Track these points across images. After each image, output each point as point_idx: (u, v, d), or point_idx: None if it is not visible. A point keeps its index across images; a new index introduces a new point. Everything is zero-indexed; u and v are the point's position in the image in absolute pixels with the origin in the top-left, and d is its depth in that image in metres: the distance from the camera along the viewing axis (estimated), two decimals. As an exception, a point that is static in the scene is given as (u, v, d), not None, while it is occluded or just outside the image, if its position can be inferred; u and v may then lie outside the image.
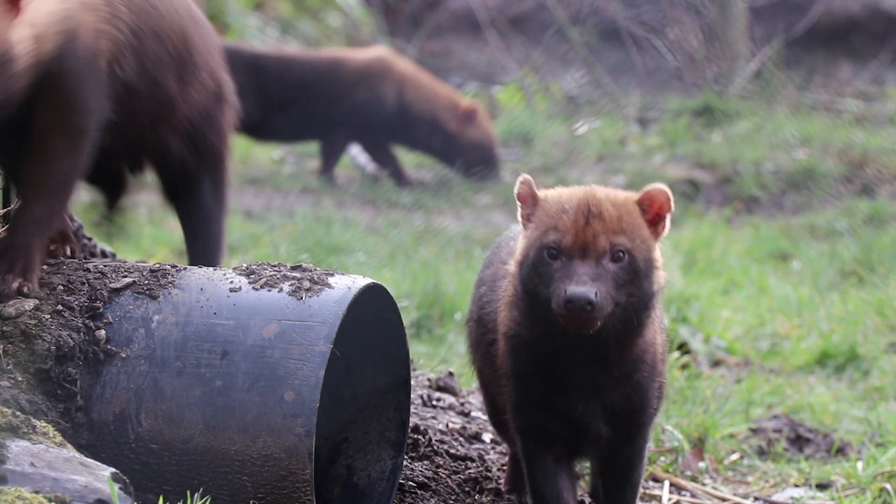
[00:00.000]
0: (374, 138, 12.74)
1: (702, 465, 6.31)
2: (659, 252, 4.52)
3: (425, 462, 5.41)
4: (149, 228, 10.49)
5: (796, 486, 6.21)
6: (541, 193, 4.56)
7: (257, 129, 12.56)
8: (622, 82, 13.53)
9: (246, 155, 13.45)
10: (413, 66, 13.08)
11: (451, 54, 17.58)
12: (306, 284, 4.51)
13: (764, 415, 7.02)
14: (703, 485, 6.16)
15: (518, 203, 4.60)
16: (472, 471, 5.45)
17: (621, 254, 4.42)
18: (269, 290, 4.50)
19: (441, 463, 5.43)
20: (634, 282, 4.43)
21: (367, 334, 4.83)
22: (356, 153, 12.98)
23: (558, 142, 13.22)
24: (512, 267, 4.62)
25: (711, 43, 13.60)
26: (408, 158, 13.13)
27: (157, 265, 4.70)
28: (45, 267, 4.65)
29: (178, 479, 4.40)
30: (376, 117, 12.60)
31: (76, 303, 4.53)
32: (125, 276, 4.61)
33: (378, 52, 13.01)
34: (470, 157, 12.64)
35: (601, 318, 4.36)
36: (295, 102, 12.54)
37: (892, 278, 9.49)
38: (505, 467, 5.52)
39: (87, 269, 4.65)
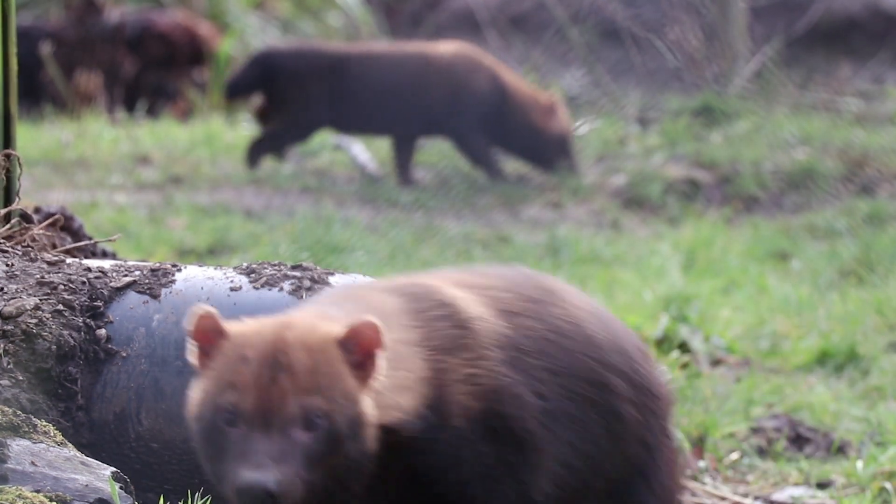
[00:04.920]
0: (476, 132, 12.56)
1: (702, 464, 6.31)
2: (369, 403, 3.56)
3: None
4: (149, 228, 10.49)
5: (796, 485, 6.22)
6: (227, 328, 3.61)
7: (345, 125, 12.53)
8: (622, 82, 13.53)
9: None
10: (496, 58, 12.95)
11: (451, 54, 17.55)
12: (307, 283, 4.51)
13: (764, 414, 7.02)
14: (703, 484, 6.16)
15: (194, 336, 3.63)
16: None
17: (316, 419, 3.49)
18: (270, 290, 4.50)
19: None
20: (335, 450, 3.50)
21: (367, 333, 4.83)
22: (356, 153, 12.98)
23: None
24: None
25: (711, 43, 13.60)
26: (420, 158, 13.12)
27: (158, 264, 4.70)
28: (45, 267, 4.65)
29: (178, 478, 4.40)
30: (476, 111, 12.42)
31: (77, 302, 4.53)
32: (126, 276, 4.62)
33: (459, 44, 12.87)
34: (553, 151, 12.50)
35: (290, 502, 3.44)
36: (381, 98, 12.43)
37: (891, 278, 9.49)
38: None
39: (88, 269, 4.66)
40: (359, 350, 3.56)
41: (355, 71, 12.40)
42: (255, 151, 12.41)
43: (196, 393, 3.61)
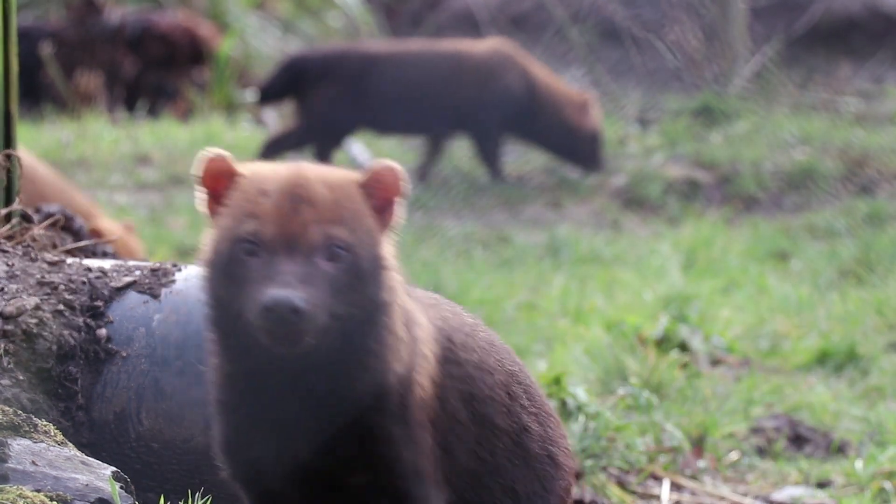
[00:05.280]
0: (496, 131, 12.58)
1: (701, 463, 6.32)
2: (389, 249, 3.54)
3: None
4: (149, 228, 10.50)
5: (796, 484, 6.22)
6: (240, 170, 3.53)
7: (380, 125, 12.53)
8: (622, 82, 13.53)
9: (247, 153, 13.45)
10: (530, 57, 12.96)
11: (451, 54, 17.55)
12: (307, 283, 4.51)
13: (763, 414, 7.02)
14: (703, 483, 6.16)
15: (203, 188, 3.55)
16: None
17: (340, 250, 3.42)
18: (270, 290, 4.50)
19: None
20: (357, 287, 3.42)
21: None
22: (356, 152, 12.98)
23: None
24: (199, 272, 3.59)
25: (711, 43, 13.60)
26: (410, 157, 13.12)
27: (158, 264, 4.71)
28: (46, 266, 4.65)
29: (178, 478, 4.40)
30: (506, 110, 12.43)
31: (77, 302, 4.53)
32: (126, 276, 4.62)
33: (495, 43, 12.89)
34: (585, 147, 12.53)
35: (312, 332, 3.35)
36: (415, 98, 12.44)
37: (891, 278, 9.49)
38: None
39: (89, 269, 4.66)
40: (379, 194, 3.51)
41: (388, 71, 12.42)
42: (274, 148, 12.41)
43: (209, 236, 3.52)
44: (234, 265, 3.43)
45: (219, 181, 3.52)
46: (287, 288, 3.32)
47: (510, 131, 12.61)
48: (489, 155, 12.48)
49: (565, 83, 12.88)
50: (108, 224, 8.14)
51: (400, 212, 3.54)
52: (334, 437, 3.52)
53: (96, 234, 7.73)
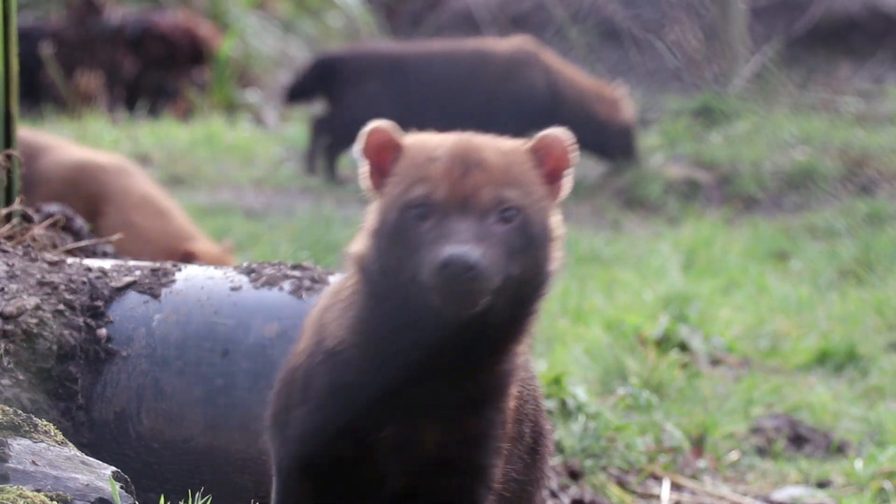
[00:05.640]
0: (523, 130, 12.62)
1: (701, 463, 6.32)
2: (557, 220, 3.50)
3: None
4: (149, 228, 10.49)
5: (796, 484, 6.22)
6: (404, 141, 3.47)
7: (406, 124, 12.57)
8: (622, 82, 13.53)
9: (247, 153, 13.46)
10: (555, 55, 12.98)
11: (451, 54, 17.56)
12: (307, 283, 4.52)
13: (763, 414, 7.02)
14: (703, 483, 6.16)
15: (365, 161, 3.50)
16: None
17: (512, 212, 3.35)
18: (270, 289, 4.50)
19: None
20: (529, 251, 3.36)
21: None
22: (357, 153, 12.99)
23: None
24: (354, 251, 3.50)
25: (711, 43, 13.61)
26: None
27: (158, 264, 4.71)
28: (46, 266, 4.66)
29: (179, 478, 4.40)
30: (528, 107, 12.47)
31: (77, 302, 4.53)
32: (126, 276, 4.62)
33: (519, 41, 12.91)
34: (618, 144, 12.56)
35: (488, 291, 3.27)
36: (440, 96, 12.47)
37: (890, 278, 9.50)
38: None
39: (89, 269, 4.66)
40: (548, 163, 3.48)
41: (415, 70, 12.45)
42: (315, 157, 12.47)
43: (374, 208, 3.44)
44: (405, 231, 3.35)
45: (383, 152, 3.47)
46: (463, 245, 3.24)
47: (535, 128, 12.64)
48: None
49: (595, 80, 12.89)
50: (207, 246, 8.03)
51: (568, 183, 3.52)
52: (462, 418, 3.47)
53: (191, 256, 7.63)
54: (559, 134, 3.49)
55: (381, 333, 3.42)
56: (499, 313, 3.35)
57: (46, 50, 15.00)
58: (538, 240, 3.39)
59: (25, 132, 8.41)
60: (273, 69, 16.78)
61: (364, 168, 3.50)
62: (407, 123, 11.82)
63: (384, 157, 3.47)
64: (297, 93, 12.87)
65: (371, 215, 3.46)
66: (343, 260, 3.56)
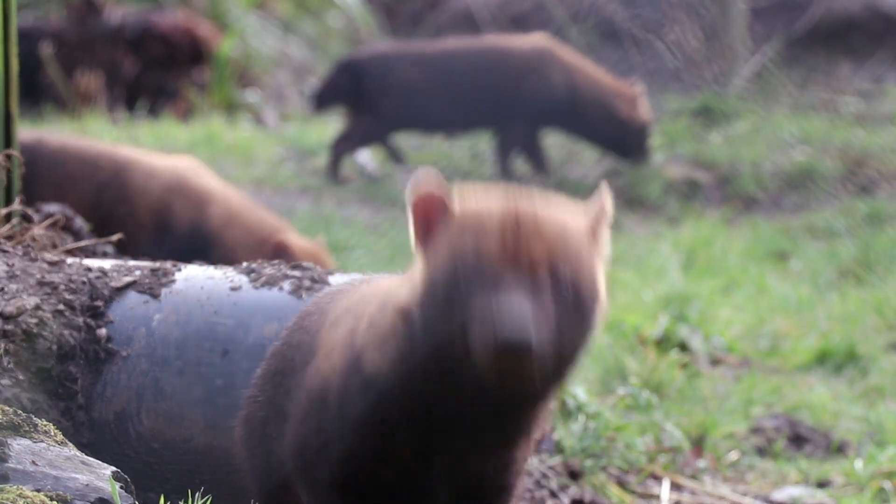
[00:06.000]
0: (543, 127, 12.64)
1: (701, 463, 6.32)
2: (602, 277, 3.41)
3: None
4: (149, 228, 10.49)
5: (795, 484, 6.23)
6: (453, 201, 3.34)
7: (426, 123, 12.59)
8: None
9: (247, 153, 13.46)
10: (574, 53, 12.99)
11: (451, 54, 17.56)
12: (306, 283, 4.52)
13: (763, 414, 7.03)
14: (703, 483, 6.16)
15: (413, 217, 3.37)
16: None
17: (565, 286, 3.27)
18: (270, 289, 4.51)
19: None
20: (579, 323, 3.29)
21: (367, 333, 4.83)
22: (363, 160, 12.99)
23: (558, 142, 13.22)
24: (398, 300, 3.40)
25: (711, 43, 13.61)
26: (411, 157, 13.13)
27: (158, 264, 4.71)
28: (46, 266, 4.66)
29: (179, 478, 4.40)
30: (547, 104, 12.48)
31: (77, 301, 4.53)
32: (126, 275, 4.62)
33: (538, 39, 12.92)
34: (634, 142, 12.57)
35: (540, 370, 3.22)
36: (461, 94, 12.49)
37: (890, 278, 9.50)
38: None
39: (89, 268, 4.66)
40: (592, 219, 3.39)
41: (436, 69, 12.47)
42: (340, 149, 12.50)
43: (424, 266, 3.33)
44: (456, 299, 3.24)
45: (431, 209, 3.34)
46: (523, 326, 3.16)
47: (554, 126, 12.65)
48: (508, 149, 12.55)
49: (613, 78, 12.91)
50: (298, 239, 8.10)
51: (607, 235, 3.43)
52: (501, 447, 3.50)
53: (284, 247, 7.71)
54: (602, 189, 3.42)
55: (423, 381, 3.36)
56: (540, 381, 3.29)
57: (46, 50, 15.00)
58: (588, 310, 3.31)
59: (106, 146, 8.53)
60: (273, 69, 16.78)
61: (410, 221, 3.38)
62: (430, 121, 11.72)
63: (432, 215, 3.35)
64: (325, 98, 12.84)
65: (418, 270, 3.36)
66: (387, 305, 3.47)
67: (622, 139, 12.52)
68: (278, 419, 3.72)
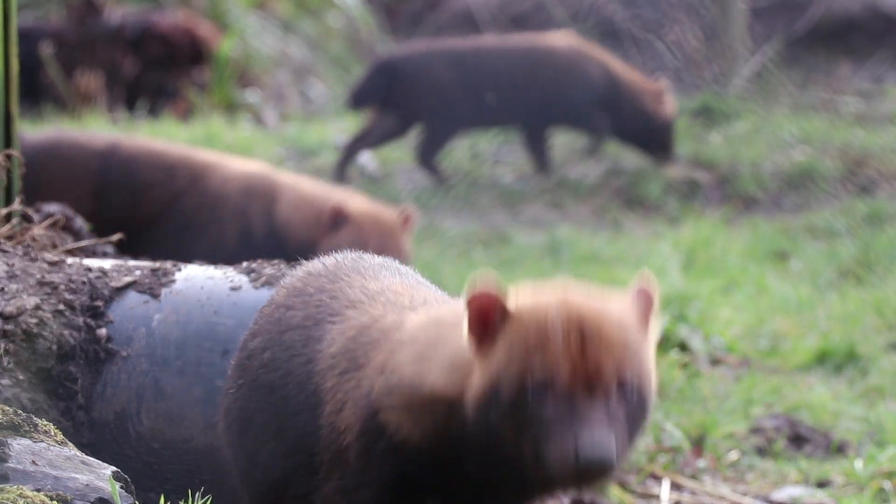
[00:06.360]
0: (582, 123, 12.65)
1: (701, 463, 6.32)
2: (654, 373, 3.40)
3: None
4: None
5: (795, 484, 6.22)
6: (512, 304, 3.28)
7: (462, 121, 12.59)
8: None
9: (247, 153, 13.47)
10: (604, 49, 13.00)
11: (451, 54, 17.56)
12: (307, 283, 4.51)
13: (763, 413, 7.03)
14: (703, 483, 6.16)
15: (469, 315, 3.28)
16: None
17: (629, 389, 3.26)
18: (270, 289, 4.51)
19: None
20: (643, 420, 3.30)
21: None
22: (364, 161, 12.99)
23: (558, 142, 13.22)
24: (437, 386, 3.33)
25: (711, 43, 13.60)
26: (404, 157, 13.12)
27: (158, 264, 4.71)
28: (46, 266, 4.66)
29: (179, 478, 4.40)
30: (587, 101, 12.48)
31: (77, 301, 4.53)
32: (126, 275, 4.62)
33: (568, 35, 12.91)
34: (661, 137, 12.60)
35: (612, 477, 3.42)
36: (499, 92, 12.49)
37: (890, 278, 9.49)
38: None
39: (89, 268, 4.66)
40: (643, 310, 3.39)
41: (476, 67, 12.47)
42: (367, 146, 12.51)
43: (483, 373, 3.27)
44: (524, 410, 3.20)
45: (488, 314, 3.28)
46: (601, 441, 3.14)
47: (593, 121, 12.67)
48: (539, 149, 12.60)
49: (640, 74, 12.92)
50: (360, 202, 8.19)
51: (657, 326, 3.43)
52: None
53: (339, 211, 7.74)
54: (649, 278, 3.43)
55: (468, 461, 3.34)
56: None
57: (46, 50, 15.00)
58: (650, 404, 3.32)
59: (182, 151, 8.59)
60: (273, 69, 16.78)
61: (465, 318, 3.30)
62: (470, 119, 11.69)
63: (490, 315, 3.28)
64: (362, 97, 12.80)
65: (477, 382, 3.27)
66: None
67: (650, 134, 12.55)
68: (267, 428, 3.67)
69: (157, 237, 7.92)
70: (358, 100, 12.85)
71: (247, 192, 8.16)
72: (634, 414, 3.25)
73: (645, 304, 3.40)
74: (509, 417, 3.22)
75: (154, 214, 7.99)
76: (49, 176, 7.91)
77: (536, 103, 12.46)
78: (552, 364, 3.20)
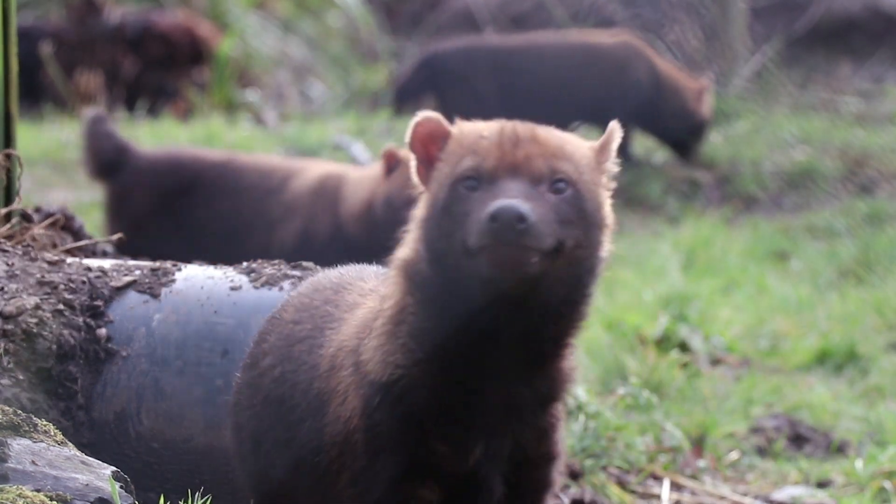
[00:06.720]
0: (630, 120, 12.64)
1: (701, 463, 6.32)
2: (609, 209, 3.58)
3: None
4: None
5: (796, 484, 6.22)
6: (452, 128, 3.42)
7: (514, 118, 12.57)
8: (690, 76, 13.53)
9: (247, 153, 13.46)
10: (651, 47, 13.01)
11: (451, 54, 17.55)
12: (307, 283, 4.51)
13: (763, 413, 7.02)
14: (703, 483, 6.16)
15: (413, 151, 3.42)
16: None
17: (564, 184, 3.31)
18: (270, 289, 4.50)
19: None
20: (580, 225, 3.33)
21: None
22: (356, 152, 12.98)
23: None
24: (403, 254, 3.42)
25: (711, 43, 13.60)
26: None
27: (158, 264, 4.71)
28: (46, 266, 4.66)
29: (179, 478, 4.40)
30: (635, 99, 12.47)
31: (77, 301, 4.53)
32: (126, 275, 4.62)
33: (621, 34, 12.91)
34: (696, 136, 12.62)
35: (538, 248, 3.20)
36: (546, 89, 12.47)
37: (890, 278, 9.49)
38: None
39: (89, 268, 4.66)
40: (600, 146, 3.48)
41: (524, 64, 12.45)
42: None
43: (424, 199, 3.37)
44: (455, 204, 3.28)
45: (430, 144, 3.40)
46: (513, 199, 3.19)
47: (640, 119, 12.65)
48: (623, 144, 12.58)
49: (683, 72, 12.93)
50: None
51: (613, 161, 3.53)
52: (531, 416, 3.47)
53: (391, 156, 7.74)
54: (614, 126, 3.51)
55: (440, 337, 3.36)
56: (551, 291, 3.30)
57: (46, 50, 15.00)
58: (590, 217, 3.36)
59: (283, 159, 8.86)
60: (273, 69, 16.78)
61: (412, 162, 3.42)
62: (516, 117, 11.69)
63: (432, 148, 3.40)
64: (407, 93, 12.77)
65: (419, 210, 3.39)
66: (386, 280, 3.49)
67: (689, 132, 12.56)
68: (277, 442, 3.68)
69: (245, 236, 8.13)
70: (402, 96, 12.81)
71: (316, 192, 8.21)
72: (568, 208, 3.28)
73: (604, 140, 3.49)
74: (445, 217, 3.28)
75: (246, 216, 8.15)
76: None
77: (584, 101, 12.43)
78: (481, 156, 3.28)
